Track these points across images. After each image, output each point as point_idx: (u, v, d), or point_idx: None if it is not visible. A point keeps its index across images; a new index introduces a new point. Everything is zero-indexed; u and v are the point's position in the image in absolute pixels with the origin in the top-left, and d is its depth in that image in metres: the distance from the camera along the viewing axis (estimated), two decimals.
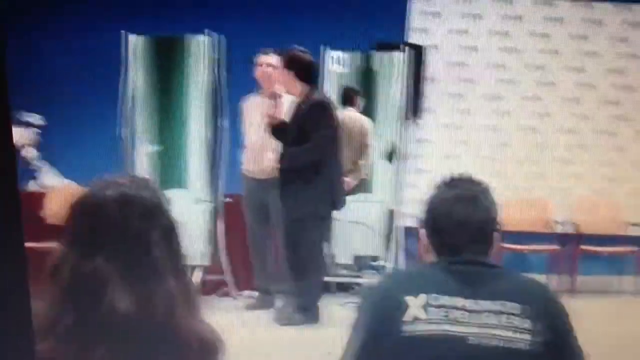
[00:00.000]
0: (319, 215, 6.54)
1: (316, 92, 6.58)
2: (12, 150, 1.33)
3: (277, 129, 6.55)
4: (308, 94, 6.47)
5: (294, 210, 6.42)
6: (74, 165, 6.95)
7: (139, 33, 7.47)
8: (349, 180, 7.54)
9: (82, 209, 1.82)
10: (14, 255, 1.34)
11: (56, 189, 7.36)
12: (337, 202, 6.64)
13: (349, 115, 7.83)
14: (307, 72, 6.49)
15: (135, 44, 7.50)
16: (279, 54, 6.75)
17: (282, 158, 6.53)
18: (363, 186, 8.13)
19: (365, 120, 8.09)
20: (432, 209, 2.47)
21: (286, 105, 6.60)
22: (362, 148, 7.99)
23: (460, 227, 2.41)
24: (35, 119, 6.92)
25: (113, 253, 1.76)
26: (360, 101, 8.15)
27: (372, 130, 8.09)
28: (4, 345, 1.31)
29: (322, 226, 6.69)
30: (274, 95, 6.59)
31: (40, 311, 1.76)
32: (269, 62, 6.96)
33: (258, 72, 7.03)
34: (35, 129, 6.93)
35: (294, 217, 6.42)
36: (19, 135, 6.83)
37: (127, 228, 1.78)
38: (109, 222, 1.79)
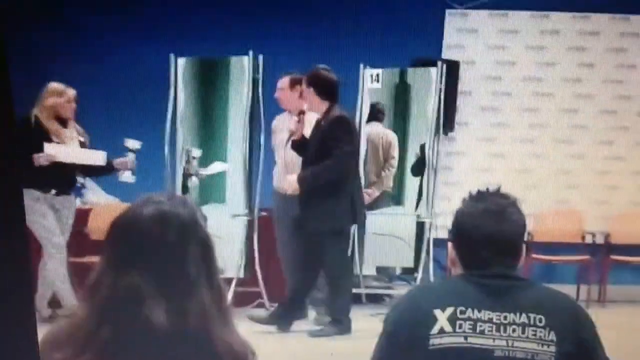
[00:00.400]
0: (341, 230, 6.69)
1: (336, 108, 6.71)
2: (13, 151, 1.37)
3: (299, 144, 6.72)
4: (328, 111, 6.63)
5: (316, 225, 6.55)
6: (118, 183, 7.02)
7: (183, 55, 7.67)
8: (370, 192, 7.69)
9: (120, 226, 1.88)
10: (18, 255, 1.38)
11: (100, 206, 7.47)
12: (357, 216, 6.82)
13: (373, 130, 7.96)
14: (327, 89, 6.65)
15: (181, 65, 7.69)
16: (291, 77, 6.97)
17: (303, 175, 6.64)
18: (387, 198, 8.20)
19: (389, 133, 8.18)
20: (460, 223, 2.48)
21: (312, 122, 6.74)
22: (385, 160, 8.09)
23: (487, 241, 2.42)
24: (133, 144, 6.89)
25: (150, 268, 1.82)
26: (385, 115, 8.24)
27: (396, 143, 8.17)
28: (6, 345, 1.36)
29: (344, 239, 6.83)
30: (297, 112, 6.74)
31: (79, 324, 1.82)
32: (279, 86, 7.17)
33: (275, 94, 7.22)
34: (133, 154, 6.88)
35: (317, 231, 6.55)
36: (118, 161, 6.84)
37: (163, 244, 1.84)
38: (146, 239, 1.85)
